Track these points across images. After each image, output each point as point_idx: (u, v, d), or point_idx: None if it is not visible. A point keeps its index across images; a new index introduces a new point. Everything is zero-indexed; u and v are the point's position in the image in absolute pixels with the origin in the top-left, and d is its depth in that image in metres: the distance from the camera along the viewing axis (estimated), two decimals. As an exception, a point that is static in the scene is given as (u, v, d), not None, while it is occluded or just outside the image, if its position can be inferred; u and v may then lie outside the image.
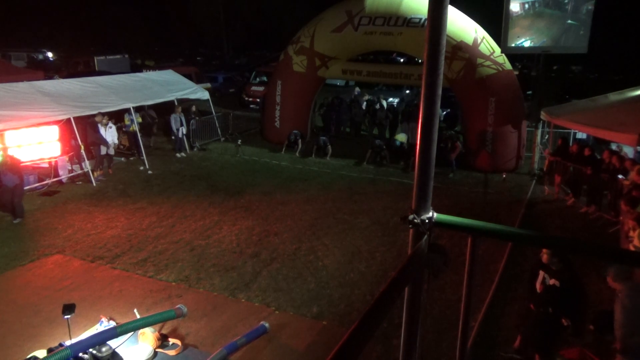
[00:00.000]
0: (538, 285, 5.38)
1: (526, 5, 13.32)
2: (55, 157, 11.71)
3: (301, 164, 14.28)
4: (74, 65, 29.25)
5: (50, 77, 18.97)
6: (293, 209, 10.53)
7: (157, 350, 5.78)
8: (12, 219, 9.61)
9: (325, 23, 15.08)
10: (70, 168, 12.35)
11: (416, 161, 1.69)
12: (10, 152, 10.12)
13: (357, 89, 21.16)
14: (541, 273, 5.34)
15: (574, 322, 5.11)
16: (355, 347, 1.17)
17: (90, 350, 5.28)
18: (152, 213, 10.13)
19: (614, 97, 12.28)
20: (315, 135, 16.38)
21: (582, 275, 5.82)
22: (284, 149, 15.33)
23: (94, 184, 11.81)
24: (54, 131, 11.46)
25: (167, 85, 15.55)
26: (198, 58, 46.44)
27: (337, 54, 15.34)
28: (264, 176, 12.98)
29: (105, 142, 12.33)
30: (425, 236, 1.69)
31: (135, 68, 30.41)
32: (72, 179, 12.09)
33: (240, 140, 15.28)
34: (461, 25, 13.55)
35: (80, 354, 5.16)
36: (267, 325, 6.13)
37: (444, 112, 17.95)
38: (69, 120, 11.48)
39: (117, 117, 13.75)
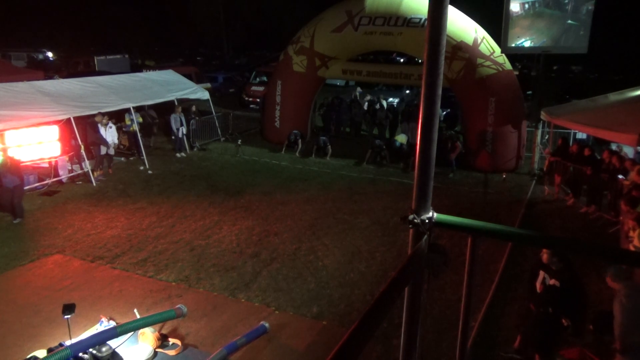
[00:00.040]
0: (538, 285, 5.38)
1: (526, 6, 13.32)
2: (55, 157, 11.71)
3: (301, 164, 14.29)
4: (74, 65, 29.25)
5: (50, 77, 18.97)
6: (293, 209, 10.53)
7: (157, 350, 5.78)
8: (12, 219, 9.61)
9: (325, 23, 15.08)
10: (70, 168, 12.35)
11: (416, 161, 1.70)
12: (10, 153, 10.13)
13: (359, 89, 21.16)
14: (541, 273, 5.34)
15: (574, 322, 5.10)
16: (355, 347, 1.17)
17: (90, 350, 5.28)
18: (152, 213, 10.13)
19: (614, 97, 12.28)
20: (315, 135, 16.38)
21: (582, 275, 5.82)
22: (284, 149, 15.33)
23: (94, 184, 11.81)
24: (54, 131, 11.46)
25: (167, 85, 15.55)
26: (198, 58, 46.44)
27: (337, 54, 15.34)
28: (264, 176, 12.98)
29: (105, 142, 12.33)
30: (425, 236, 1.69)
31: (135, 68, 30.42)
32: (72, 179, 12.09)
33: (240, 140, 15.28)
34: (461, 25, 13.55)
35: (80, 354, 5.16)
36: (267, 325, 6.13)
37: (444, 112, 17.95)
38: (69, 120, 11.48)
39: (117, 117, 13.76)
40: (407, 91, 23.87)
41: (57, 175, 11.83)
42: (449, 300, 6.86)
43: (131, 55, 36.75)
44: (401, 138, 14.71)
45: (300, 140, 15.19)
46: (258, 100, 20.96)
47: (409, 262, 1.57)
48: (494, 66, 13.40)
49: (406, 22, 13.87)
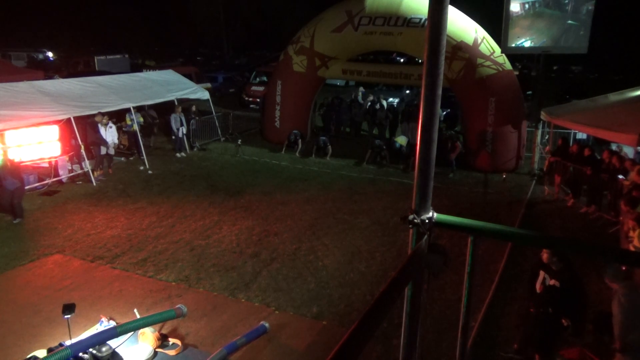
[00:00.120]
0: (538, 286, 5.38)
1: (526, 6, 13.33)
2: (55, 157, 11.71)
3: (301, 164, 14.29)
4: (74, 65, 29.25)
5: (50, 77, 18.96)
6: (293, 209, 10.53)
7: (157, 350, 5.78)
8: (12, 219, 9.61)
9: (325, 23, 15.08)
10: (70, 168, 12.35)
11: (416, 161, 1.70)
12: (10, 156, 10.13)
13: (362, 89, 21.15)
14: (541, 273, 5.33)
15: (574, 322, 5.10)
16: (355, 347, 1.17)
17: (90, 350, 5.28)
18: (152, 213, 10.13)
19: (614, 97, 12.29)
20: (315, 135, 16.38)
21: (582, 275, 5.82)
22: (284, 149, 15.33)
23: (94, 184, 11.81)
24: (54, 131, 11.46)
25: (167, 85, 15.55)
26: (198, 58, 46.45)
27: (337, 54, 15.34)
28: (264, 176, 12.98)
29: (105, 142, 12.33)
30: (425, 236, 1.69)
31: (135, 68, 30.43)
32: (72, 179, 12.09)
33: (240, 140, 15.28)
34: (461, 25, 13.55)
35: (80, 354, 5.16)
36: (267, 325, 6.13)
37: (444, 112, 17.95)
38: (69, 120, 11.48)
39: (117, 117, 13.76)
40: (407, 91, 23.87)
41: (57, 175, 11.83)
42: (449, 300, 6.85)
43: (131, 55, 36.75)
44: (401, 139, 14.68)
45: (300, 140, 15.19)
46: (258, 100, 20.96)
47: (409, 262, 1.57)
48: (494, 66, 13.40)
49: (406, 22, 13.87)
